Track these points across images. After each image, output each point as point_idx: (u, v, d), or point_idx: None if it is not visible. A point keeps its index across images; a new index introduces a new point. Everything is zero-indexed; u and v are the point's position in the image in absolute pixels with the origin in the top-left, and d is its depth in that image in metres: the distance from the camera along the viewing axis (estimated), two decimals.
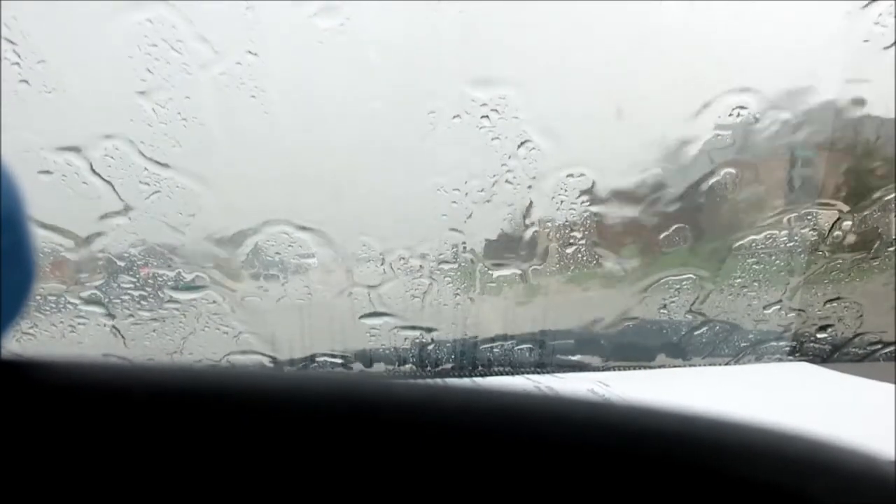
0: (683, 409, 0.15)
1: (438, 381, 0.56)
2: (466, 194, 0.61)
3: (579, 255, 0.64)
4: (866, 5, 0.58)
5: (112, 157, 0.56)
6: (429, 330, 0.64)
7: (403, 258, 0.62)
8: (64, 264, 0.59)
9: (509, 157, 0.60)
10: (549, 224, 0.63)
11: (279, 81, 0.56)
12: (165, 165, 0.57)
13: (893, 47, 0.59)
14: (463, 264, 0.63)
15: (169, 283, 0.61)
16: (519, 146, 0.59)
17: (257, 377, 0.15)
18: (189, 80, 0.55)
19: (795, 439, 0.15)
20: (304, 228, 0.60)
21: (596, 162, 0.60)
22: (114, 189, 0.57)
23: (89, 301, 0.61)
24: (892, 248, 0.64)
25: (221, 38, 0.54)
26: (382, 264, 0.62)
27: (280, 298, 0.63)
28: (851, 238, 0.65)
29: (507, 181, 0.61)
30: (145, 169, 0.57)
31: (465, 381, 0.57)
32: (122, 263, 0.60)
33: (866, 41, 0.58)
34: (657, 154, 0.62)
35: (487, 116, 0.58)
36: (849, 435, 0.46)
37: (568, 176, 0.61)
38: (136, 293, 0.61)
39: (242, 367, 0.63)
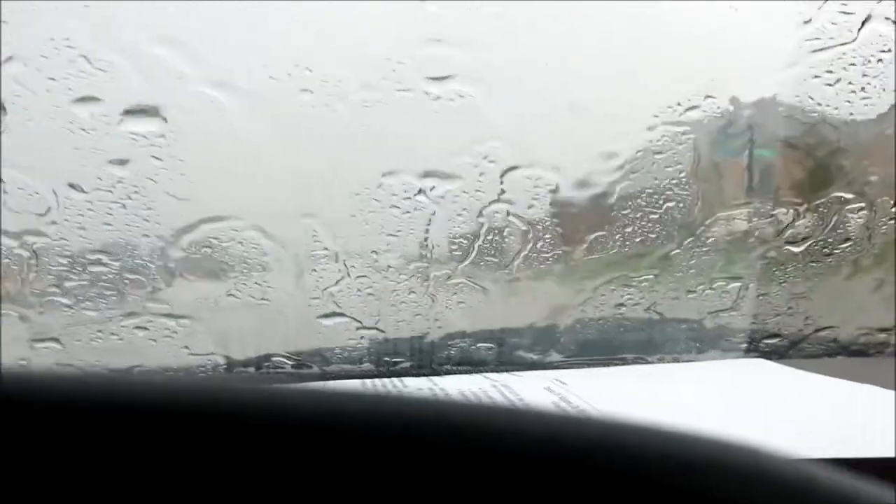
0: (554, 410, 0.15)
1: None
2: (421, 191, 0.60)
3: (538, 254, 0.64)
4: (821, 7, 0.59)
5: None
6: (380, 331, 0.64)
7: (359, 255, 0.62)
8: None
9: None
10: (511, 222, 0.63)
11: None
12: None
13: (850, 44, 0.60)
14: (422, 263, 0.63)
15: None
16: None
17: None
18: None
19: (694, 440, 0.15)
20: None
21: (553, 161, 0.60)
22: None
23: None
24: (846, 245, 0.65)
25: None
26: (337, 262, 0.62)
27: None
28: (806, 235, 0.66)
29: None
30: None
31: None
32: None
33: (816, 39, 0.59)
34: (618, 154, 0.62)
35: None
36: (798, 430, 0.46)
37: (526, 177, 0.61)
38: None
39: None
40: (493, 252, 0.64)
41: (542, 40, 0.56)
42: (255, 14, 0.52)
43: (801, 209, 0.65)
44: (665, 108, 0.61)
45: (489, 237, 0.63)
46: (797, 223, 0.65)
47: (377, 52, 0.55)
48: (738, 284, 0.67)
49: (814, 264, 0.67)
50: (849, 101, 0.62)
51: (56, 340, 0.60)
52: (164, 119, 0.54)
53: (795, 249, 0.66)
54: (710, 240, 0.65)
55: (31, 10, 0.49)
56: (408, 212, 0.61)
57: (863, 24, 0.60)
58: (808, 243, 0.66)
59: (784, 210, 0.65)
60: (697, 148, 0.63)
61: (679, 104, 0.60)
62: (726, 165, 0.65)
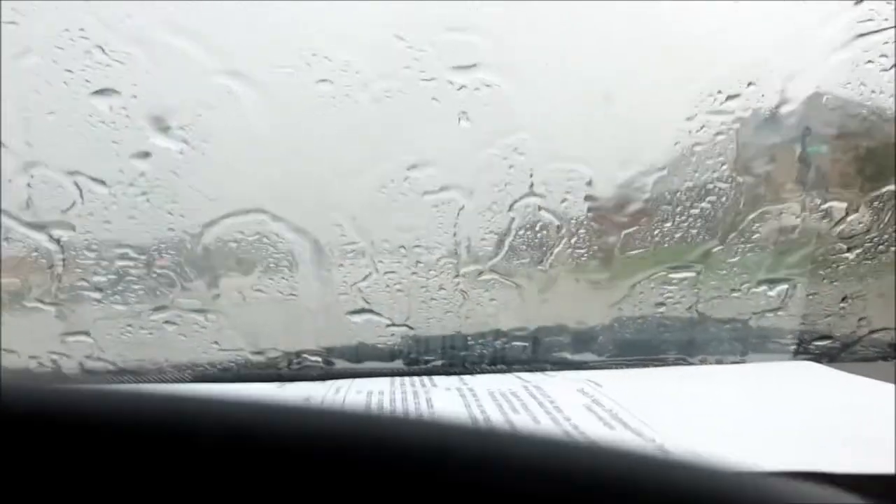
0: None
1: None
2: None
3: (573, 250, 0.62)
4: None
5: None
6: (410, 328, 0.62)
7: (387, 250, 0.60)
8: None
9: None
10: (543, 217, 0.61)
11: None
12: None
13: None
14: (452, 259, 0.61)
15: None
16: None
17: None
18: None
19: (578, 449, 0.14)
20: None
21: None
22: None
23: None
24: None
25: None
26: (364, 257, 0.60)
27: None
28: (859, 232, 0.62)
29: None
30: None
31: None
32: None
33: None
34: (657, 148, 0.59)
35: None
36: (848, 435, 0.43)
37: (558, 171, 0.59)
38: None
39: None
40: (525, 248, 0.62)
41: (573, 26, 0.54)
42: (272, 4, 0.51)
43: (853, 204, 0.62)
44: (705, 96, 0.58)
45: (521, 232, 0.61)
46: (849, 218, 0.62)
47: (398, 41, 0.53)
48: (787, 283, 0.63)
49: (867, 262, 0.63)
50: None
51: (86, 334, 0.60)
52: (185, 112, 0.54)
53: (847, 246, 0.63)
54: (756, 236, 0.62)
55: (44, 2, 0.49)
56: (436, 206, 0.59)
57: None
58: (862, 240, 0.62)
59: (835, 204, 0.62)
60: (740, 139, 0.60)
61: (720, 92, 0.58)
62: (772, 158, 0.62)
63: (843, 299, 0.64)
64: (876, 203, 0.62)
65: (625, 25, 0.55)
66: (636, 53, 0.55)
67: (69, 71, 0.51)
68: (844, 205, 0.62)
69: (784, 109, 0.59)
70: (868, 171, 0.62)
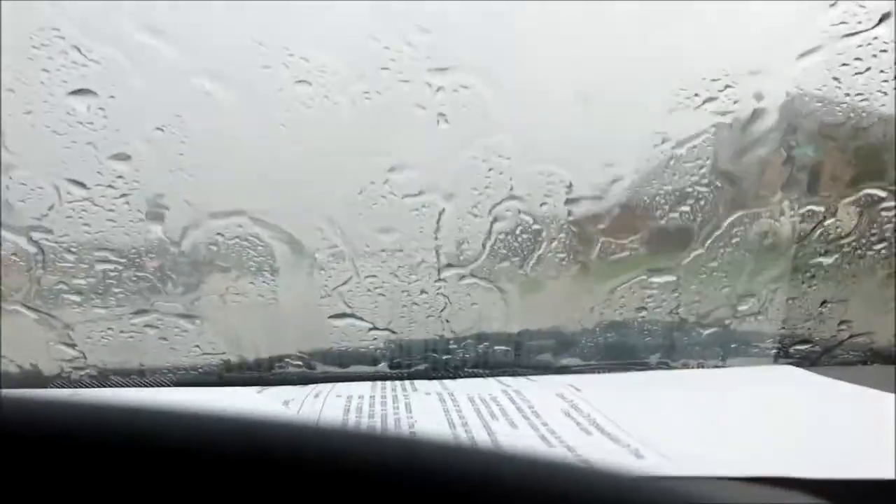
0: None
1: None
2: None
3: (554, 254, 0.62)
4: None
5: None
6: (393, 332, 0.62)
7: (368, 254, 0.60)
8: None
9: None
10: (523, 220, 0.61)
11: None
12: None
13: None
14: (433, 262, 0.61)
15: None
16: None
17: None
18: None
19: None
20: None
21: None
22: None
23: None
24: (881, 246, 0.62)
25: None
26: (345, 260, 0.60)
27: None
28: (838, 236, 0.62)
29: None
30: None
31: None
32: None
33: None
34: (633, 147, 0.59)
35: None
36: (828, 439, 0.43)
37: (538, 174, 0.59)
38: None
39: None
40: (506, 252, 0.62)
41: (550, 28, 0.54)
42: (249, 5, 0.51)
43: (831, 207, 0.62)
44: (683, 99, 0.58)
45: (502, 236, 0.61)
46: (827, 223, 0.62)
47: (374, 42, 0.53)
48: (766, 287, 0.64)
49: (847, 266, 0.63)
50: (882, 92, 0.58)
51: (67, 338, 0.59)
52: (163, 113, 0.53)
53: (826, 250, 0.63)
54: (735, 240, 0.62)
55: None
56: (416, 209, 0.59)
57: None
58: (841, 244, 0.63)
59: (813, 208, 0.62)
60: (718, 142, 0.60)
61: (696, 95, 0.58)
62: (749, 160, 0.62)
63: (823, 303, 0.64)
64: (853, 206, 0.62)
65: (602, 28, 0.55)
66: (614, 55, 0.55)
67: (45, 71, 0.50)
68: (823, 208, 0.62)
69: (760, 112, 0.59)
70: (847, 174, 0.62)
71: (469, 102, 0.55)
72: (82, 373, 0.60)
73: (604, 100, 0.56)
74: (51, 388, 0.60)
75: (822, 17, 0.57)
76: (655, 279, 0.63)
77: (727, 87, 0.58)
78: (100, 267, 0.59)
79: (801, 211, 0.63)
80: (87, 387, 0.59)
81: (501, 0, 0.53)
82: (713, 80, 0.58)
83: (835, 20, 0.57)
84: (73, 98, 0.51)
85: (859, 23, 0.57)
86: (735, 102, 0.59)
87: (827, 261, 0.63)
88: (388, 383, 0.57)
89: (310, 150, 0.56)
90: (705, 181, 0.61)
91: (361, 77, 0.54)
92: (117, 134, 0.53)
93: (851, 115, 0.59)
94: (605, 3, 0.54)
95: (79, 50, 0.50)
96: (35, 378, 0.59)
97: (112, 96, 0.53)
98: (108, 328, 0.60)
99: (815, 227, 0.63)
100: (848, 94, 0.59)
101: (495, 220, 0.61)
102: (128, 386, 0.59)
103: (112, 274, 0.59)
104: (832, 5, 0.56)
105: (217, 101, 0.53)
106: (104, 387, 0.59)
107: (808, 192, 0.63)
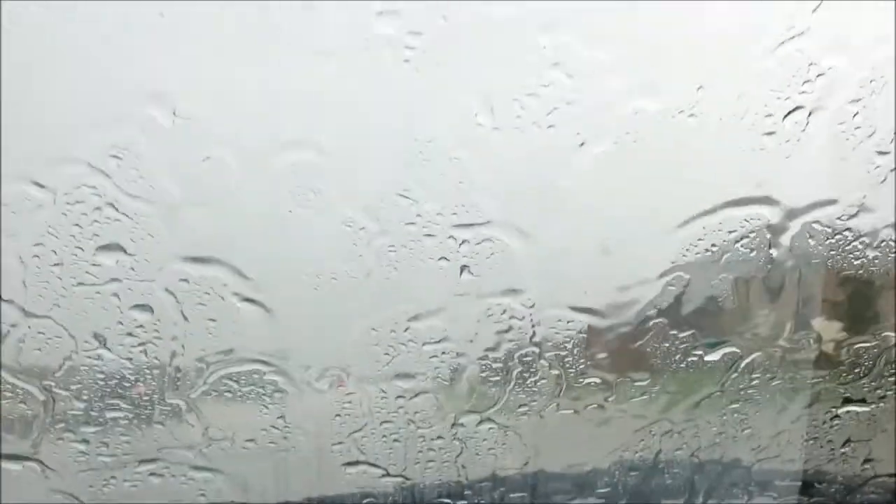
0: None
1: None
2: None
3: (573, 397, 0.61)
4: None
5: None
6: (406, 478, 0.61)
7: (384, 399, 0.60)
8: None
9: None
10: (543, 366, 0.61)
11: None
12: None
13: None
14: (450, 408, 0.61)
15: None
16: None
17: None
18: None
19: None
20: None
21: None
22: None
23: None
24: None
25: None
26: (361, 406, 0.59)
27: None
28: (860, 374, 0.62)
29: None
30: None
31: None
32: None
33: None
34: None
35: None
36: None
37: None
38: None
39: None
40: (524, 396, 0.61)
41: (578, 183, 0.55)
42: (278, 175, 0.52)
43: (850, 344, 0.61)
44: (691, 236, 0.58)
45: (521, 381, 0.60)
46: (847, 360, 0.62)
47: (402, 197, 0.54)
48: (787, 425, 0.63)
49: (872, 405, 0.62)
50: None
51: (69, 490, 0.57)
52: None
53: (850, 388, 0.62)
54: (755, 381, 0.62)
55: None
56: (434, 356, 0.58)
57: None
58: (863, 381, 0.62)
59: (833, 344, 0.62)
60: (729, 277, 0.60)
61: (703, 229, 0.58)
62: (765, 295, 0.62)
63: (846, 442, 0.63)
64: (873, 343, 0.61)
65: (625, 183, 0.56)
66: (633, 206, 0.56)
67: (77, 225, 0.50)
68: (841, 345, 0.62)
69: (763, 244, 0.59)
70: (869, 312, 0.63)
71: (492, 252, 0.56)
72: None
73: (619, 246, 0.57)
74: None
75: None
76: (674, 421, 0.62)
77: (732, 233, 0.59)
78: (109, 415, 0.57)
79: (822, 348, 0.62)
80: None
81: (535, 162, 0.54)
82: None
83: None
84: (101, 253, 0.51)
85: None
86: (749, 233, 0.59)
87: (850, 399, 0.62)
88: None
89: (334, 299, 0.56)
90: (717, 320, 0.61)
91: (385, 231, 0.54)
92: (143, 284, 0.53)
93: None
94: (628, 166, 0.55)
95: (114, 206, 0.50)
96: None
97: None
98: (112, 476, 0.58)
99: (836, 365, 0.62)
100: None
101: (515, 366, 0.60)
102: None
103: (121, 422, 0.58)
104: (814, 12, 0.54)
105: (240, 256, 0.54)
106: None
107: (825, 327, 0.62)
